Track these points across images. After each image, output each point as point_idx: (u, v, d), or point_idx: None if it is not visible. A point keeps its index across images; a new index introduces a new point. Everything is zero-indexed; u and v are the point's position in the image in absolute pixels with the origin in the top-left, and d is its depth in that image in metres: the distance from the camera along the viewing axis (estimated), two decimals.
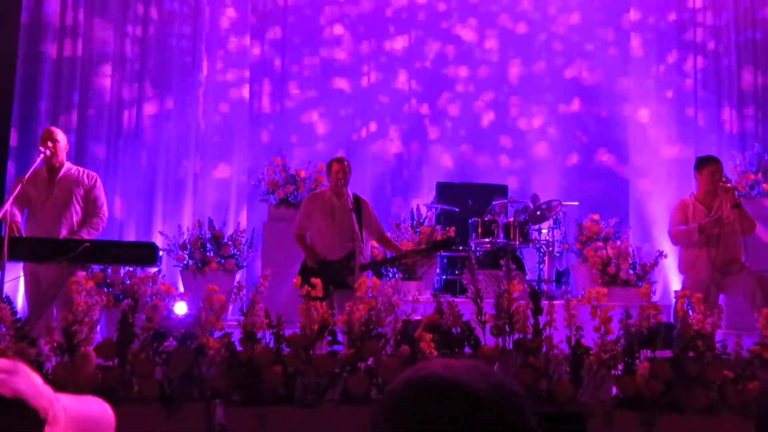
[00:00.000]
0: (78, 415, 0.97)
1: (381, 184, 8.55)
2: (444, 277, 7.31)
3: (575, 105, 8.77)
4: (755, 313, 4.25)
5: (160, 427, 3.48)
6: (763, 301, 4.93)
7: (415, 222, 7.26)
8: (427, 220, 7.31)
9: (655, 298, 5.04)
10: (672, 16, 8.51)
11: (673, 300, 4.61)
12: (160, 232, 7.25)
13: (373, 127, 8.71)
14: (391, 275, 6.54)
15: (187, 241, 6.93)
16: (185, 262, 6.88)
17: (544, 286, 7.06)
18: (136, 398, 3.47)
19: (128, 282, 6.19)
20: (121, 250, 4.56)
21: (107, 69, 7.88)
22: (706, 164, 5.40)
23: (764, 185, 7.05)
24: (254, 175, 7.69)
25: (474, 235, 7.02)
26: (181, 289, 6.80)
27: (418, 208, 7.45)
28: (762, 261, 6.50)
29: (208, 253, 6.92)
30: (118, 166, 7.82)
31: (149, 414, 3.44)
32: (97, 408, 1.05)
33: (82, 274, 4.46)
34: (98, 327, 4.51)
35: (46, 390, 0.91)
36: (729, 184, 5.37)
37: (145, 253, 4.27)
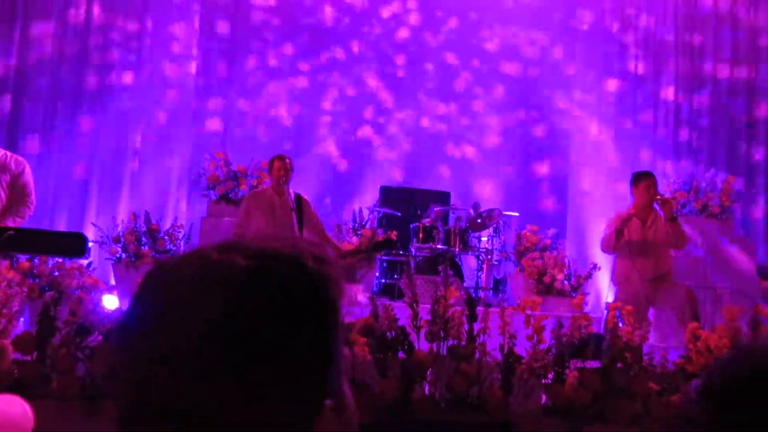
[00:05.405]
0: None
1: (324, 186, 8.48)
2: (383, 280, 7.29)
3: (521, 117, 8.88)
4: (682, 326, 4.38)
5: (80, 426, 3.34)
6: (690, 314, 5.09)
7: (356, 224, 7.22)
8: (368, 223, 7.28)
9: (588, 309, 5.14)
10: (616, 32, 8.74)
11: (605, 311, 4.71)
12: (93, 224, 7.01)
13: (317, 127, 8.63)
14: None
15: (121, 233, 6.72)
16: (118, 256, 6.66)
17: (482, 294, 7.12)
18: (55, 395, 3.32)
19: (57, 274, 5.96)
20: (48, 240, 4.37)
21: (46, 51, 7.64)
22: (642, 179, 5.56)
23: (695, 204, 7.30)
24: (195, 170, 7.53)
25: (414, 240, 7.03)
26: (113, 283, 6.58)
27: (360, 211, 7.42)
28: (690, 276, 6.73)
29: (142, 247, 6.71)
30: (52, 155, 7.55)
31: (69, 412, 3.30)
32: (16, 408, 1.00)
33: (4, 263, 4.27)
34: (21, 320, 4.32)
35: None
36: (666, 197, 5.57)
37: (73, 244, 4.10)
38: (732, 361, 0.83)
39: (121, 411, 0.71)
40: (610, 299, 5.50)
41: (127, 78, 7.91)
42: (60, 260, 5.97)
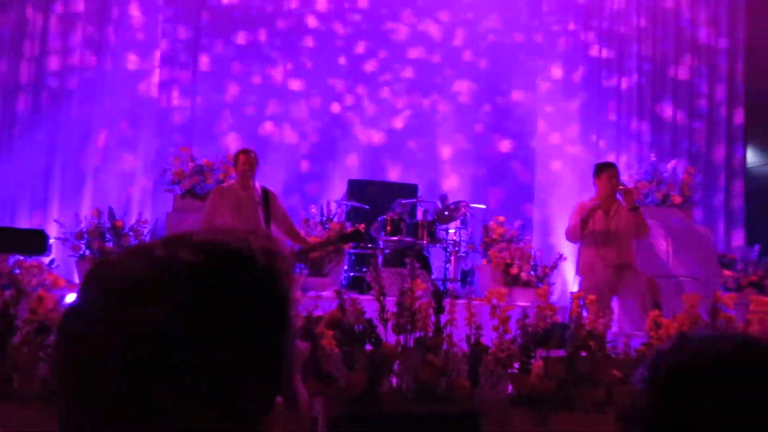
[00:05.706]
0: None
1: (291, 180, 8.41)
2: (351, 274, 7.29)
3: (487, 110, 8.92)
4: (645, 314, 4.46)
5: (43, 428, 3.28)
6: (652, 302, 5.18)
7: (324, 218, 7.20)
8: (336, 216, 7.27)
9: (554, 299, 5.20)
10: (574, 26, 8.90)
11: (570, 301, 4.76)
12: (56, 221, 6.88)
13: (284, 121, 8.56)
14: (297, 271, 6.46)
15: (84, 230, 6.61)
16: (81, 252, 6.56)
17: (450, 286, 7.16)
18: (17, 396, 3.26)
19: (18, 272, 5.84)
20: (8, 237, 4.28)
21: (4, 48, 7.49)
22: (604, 169, 5.65)
23: (657, 194, 7.43)
24: (160, 164, 7.43)
25: (382, 233, 7.03)
26: (77, 280, 6.48)
27: (328, 204, 7.39)
28: (652, 265, 6.85)
29: (107, 244, 6.62)
30: (13, 151, 7.40)
31: (30, 413, 3.24)
32: None
33: None
34: None
35: None
36: (628, 187, 5.67)
37: (33, 241, 4.02)
38: (677, 348, 0.84)
39: (62, 414, 0.69)
40: (576, 289, 5.58)
41: (88, 73, 7.77)
42: (21, 258, 5.86)
